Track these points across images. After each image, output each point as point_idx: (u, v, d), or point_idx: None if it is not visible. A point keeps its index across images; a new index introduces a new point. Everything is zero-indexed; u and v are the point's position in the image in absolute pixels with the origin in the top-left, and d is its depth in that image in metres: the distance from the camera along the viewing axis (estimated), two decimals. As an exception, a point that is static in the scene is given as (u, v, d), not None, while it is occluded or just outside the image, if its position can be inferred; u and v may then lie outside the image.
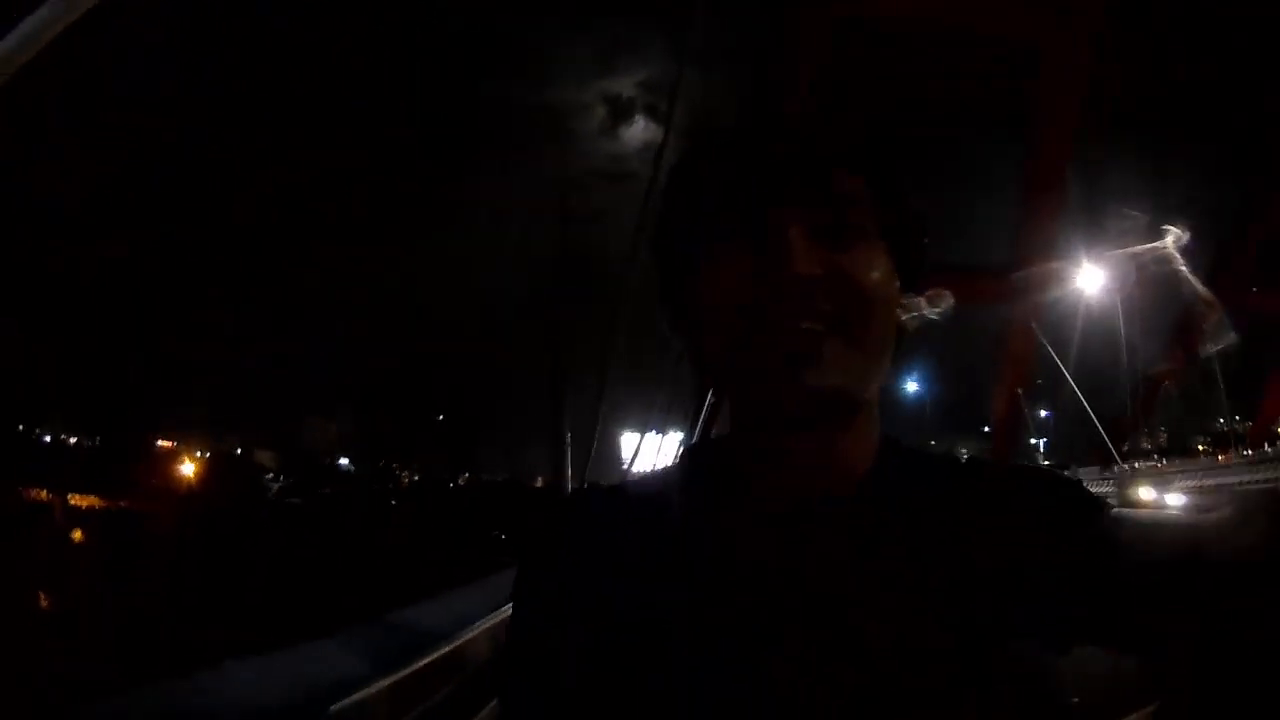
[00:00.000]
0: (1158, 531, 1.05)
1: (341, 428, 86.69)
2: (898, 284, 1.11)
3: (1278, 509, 0.95)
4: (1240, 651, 0.94)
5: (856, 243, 1.06)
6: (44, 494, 42.70)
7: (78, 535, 37.49)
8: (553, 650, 1.13)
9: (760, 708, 1.02)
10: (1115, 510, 1.07)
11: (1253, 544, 0.94)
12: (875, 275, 1.05)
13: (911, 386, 71.85)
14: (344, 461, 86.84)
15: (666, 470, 1.28)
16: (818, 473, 1.10)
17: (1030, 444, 49.43)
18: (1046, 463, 46.32)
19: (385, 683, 5.91)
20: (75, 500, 44.47)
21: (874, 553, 1.07)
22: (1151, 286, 30.48)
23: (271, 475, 76.68)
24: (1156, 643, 1.00)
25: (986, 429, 46.55)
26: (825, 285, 1.02)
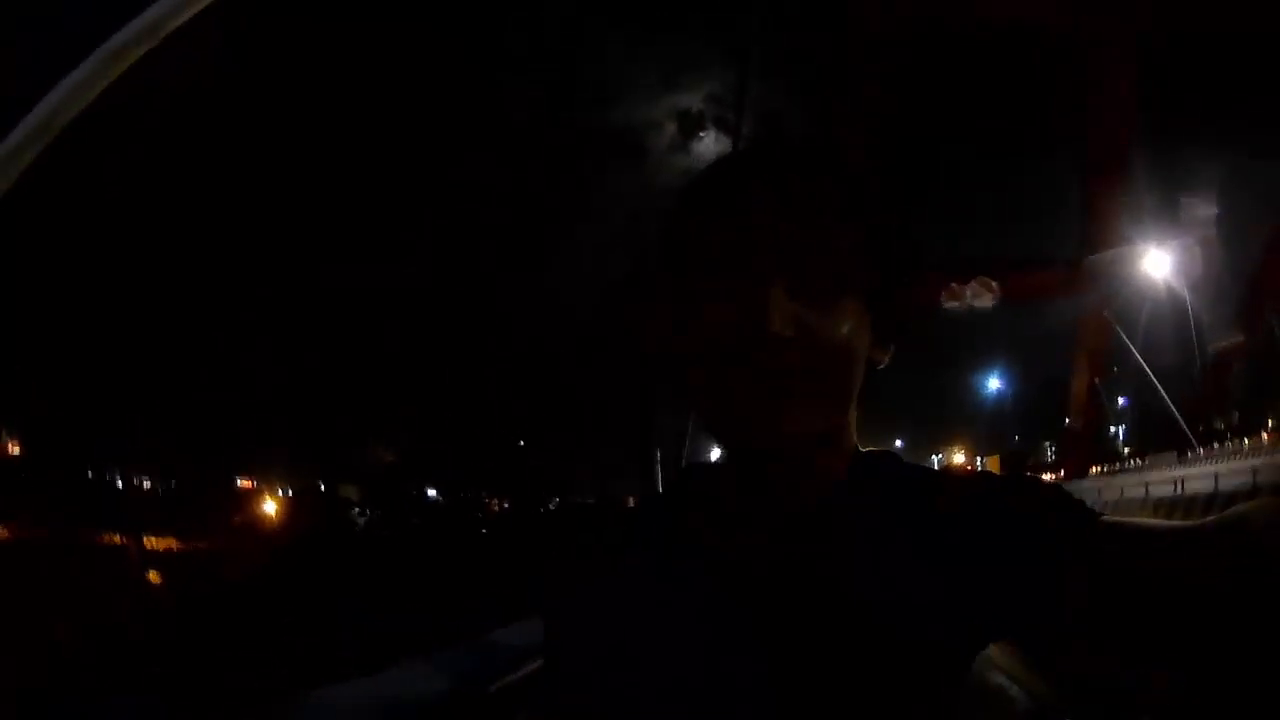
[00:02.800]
0: (1149, 540, 1.07)
1: (425, 456, 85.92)
2: (869, 333, 1.18)
3: (1269, 521, 0.98)
4: (1232, 660, 0.98)
5: (833, 300, 1.13)
6: (117, 538, 42.42)
7: (154, 577, 37.33)
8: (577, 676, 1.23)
9: (757, 696, 1.11)
10: (1105, 518, 1.10)
11: (1246, 555, 0.97)
12: (845, 333, 1.13)
13: (994, 384, 71.11)
14: (431, 492, 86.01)
15: (667, 492, 1.37)
16: (794, 485, 1.20)
17: (1110, 434, 48.62)
18: (1127, 449, 45.57)
19: (495, 687, 6.01)
20: (151, 543, 44.08)
21: (850, 554, 1.15)
22: (1214, 266, 30.03)
23: (357, 509, 76.20)
24: (1148, 651, 1.07)
25: (1067, 420, 45.69)
26: (798, 343, 1.09)
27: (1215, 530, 1.02)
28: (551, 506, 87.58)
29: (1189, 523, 1.06)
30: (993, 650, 1.20)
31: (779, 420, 1.10)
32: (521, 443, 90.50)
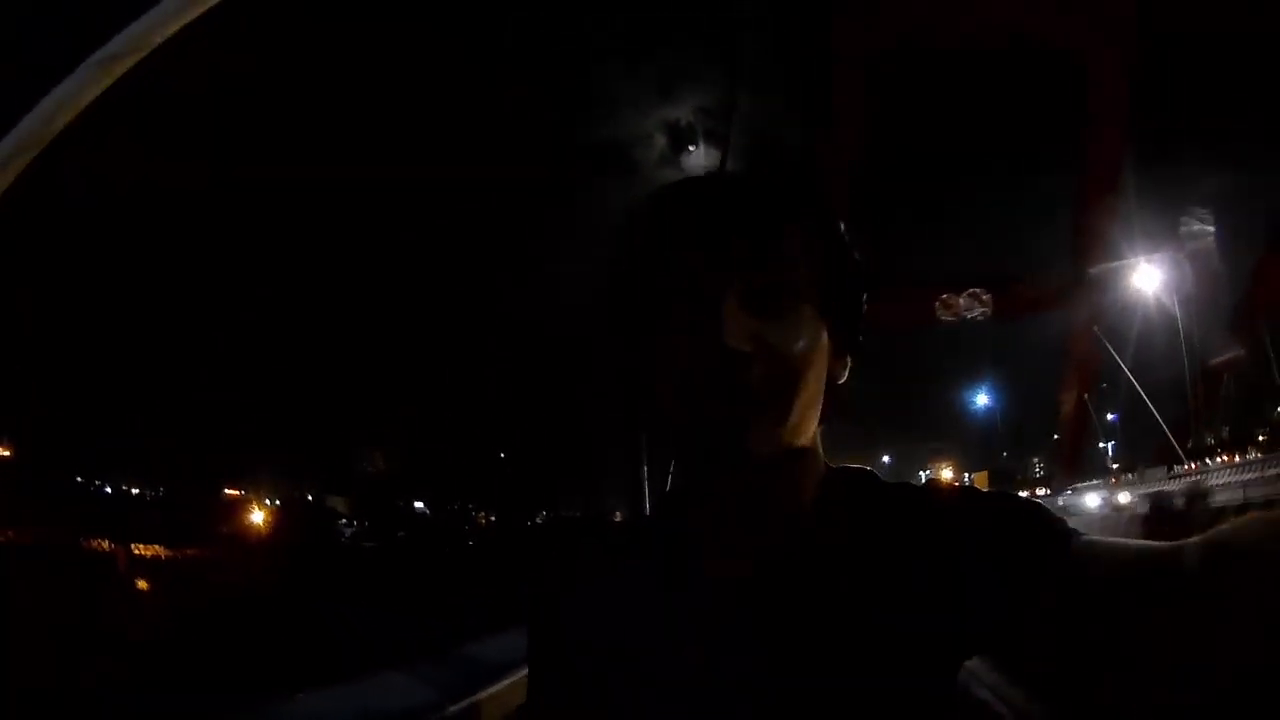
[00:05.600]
0: (1126, 559, 1.05)
1: (412, 469, 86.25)
2: (827, 346, 1.18)
3: (1245, 541, 0.97)
4: (1217, 679, 0.96)
5: (788, 308, 1.13)
6: (106, 544, 42.71)
7: (143, 584, 37.55)
8: (556, 683, 1.28)
9: (749, 711, 1.12)
10: (1083, 537, 1.09)
11: (1224, 574, 0.95)
12: (802, 344, 1.12)
13: (981, 400, 71.65)
14: (418, 504, 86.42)
15: (653, 511, 1.40)
16: (768, 510, 1.20)
17: (1099, 448, 48.94)
18: (1115, 465, 45.90)
19: (467, 703, 5.99)
20: (139, 550, 44.32)
21: (829, 584, 1.15)
22: (1205, 283, 30.26)
23: (344, 520, 76.50)
24: (1132, 670, 1.02)
25: (1056, 436, 46.11)
26: (755, 357, 1.08)
27: (1196, 551, 1.00)
28: (539, 520, 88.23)
29: (1168, 543, 1.05)
30: (976, 663, 1.17)
31: (745, 438, 1.10)
32: (502, 455, 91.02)
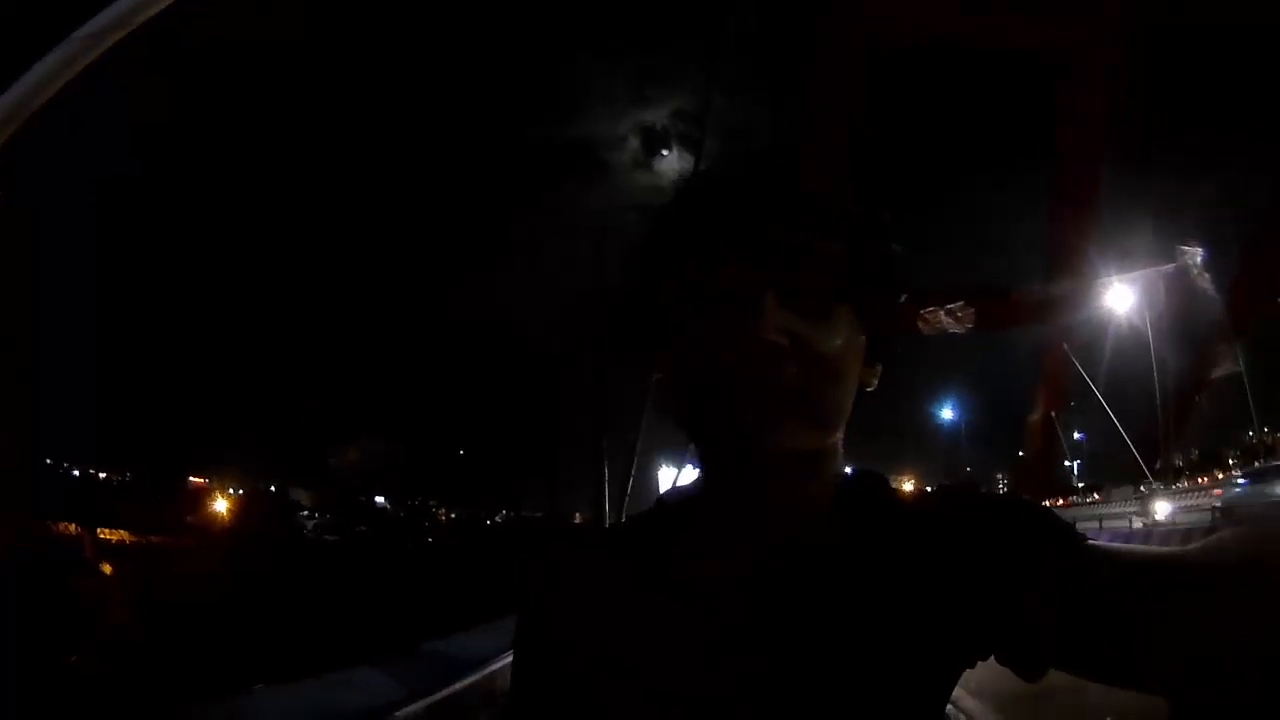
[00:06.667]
0: (1134, 562, 1.03)
1: (374, 465, 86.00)
2: (862, 350, 1.16)
3: (1250, 543, 0.97)
4: (1219, 679, 0.95)
5: (825, 309, 1.11)
6: (72, 527, 42.50)
7: (107, 568, 37.37)
8: (544, 686, 1.24)
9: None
10: (1090, 543, 1.08)
11: (1228, 576, 0.95)
12: (838, 345, 1.10)
13: (947, 414, 71.58)
14: (380, 499, 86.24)
15: (644, 514, 1.35)
16: (778, 512, 1.17)
17: (1065, 466, 49.03)
18: (1081, 484, 46.05)
19: (427, 702, 5.99)
20: (104, 534, 44.02)
21: (834, 586, 1.13)
22: (1179, 303, 30.35)
23: (307, 512, 76.31)
24: (1135, 670, 1.01)
25: (1021, 454, 46.15)
26: (791, 352, 1.06)
27: (1197, 556, 0.99)
28: (499, 519, 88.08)
29: (1172, 549, 1.04)
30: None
31: (774, 433, 1.08)
32: (462, 452, 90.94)
